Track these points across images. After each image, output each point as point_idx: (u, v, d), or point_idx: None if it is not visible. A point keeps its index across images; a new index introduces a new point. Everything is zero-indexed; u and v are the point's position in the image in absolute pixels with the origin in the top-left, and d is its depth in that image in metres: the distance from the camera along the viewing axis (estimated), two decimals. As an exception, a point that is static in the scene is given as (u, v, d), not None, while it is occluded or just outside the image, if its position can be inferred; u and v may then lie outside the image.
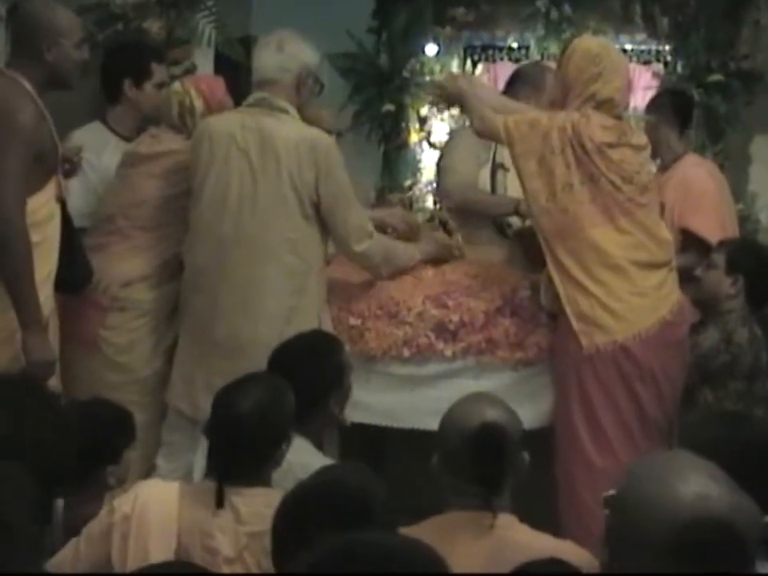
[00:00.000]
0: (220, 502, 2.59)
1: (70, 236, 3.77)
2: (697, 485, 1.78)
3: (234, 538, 2.57)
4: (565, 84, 3.93)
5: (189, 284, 3.90)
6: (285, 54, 3.85)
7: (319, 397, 3.19)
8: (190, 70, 4.69)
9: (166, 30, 4.77)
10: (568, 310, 3.81)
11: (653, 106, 4.81)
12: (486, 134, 4.03)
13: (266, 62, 3.87)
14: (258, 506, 2.58)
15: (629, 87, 4.04)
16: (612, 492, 1.87)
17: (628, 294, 3.82)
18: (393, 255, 4.01)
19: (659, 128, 4.63)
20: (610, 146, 3.83)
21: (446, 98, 4.19)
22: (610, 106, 3.87)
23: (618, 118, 3.91)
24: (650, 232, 3.89)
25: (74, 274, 3.80)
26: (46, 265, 3.61)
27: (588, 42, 4.04)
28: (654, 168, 4.36)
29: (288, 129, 3.80)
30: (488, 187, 4.50)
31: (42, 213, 3.61)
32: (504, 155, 4.33)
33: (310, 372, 3.15)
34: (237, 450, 2.65)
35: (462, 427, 2.51)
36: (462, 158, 4.53)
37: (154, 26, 4.74)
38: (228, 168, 3.79)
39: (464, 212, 4.51)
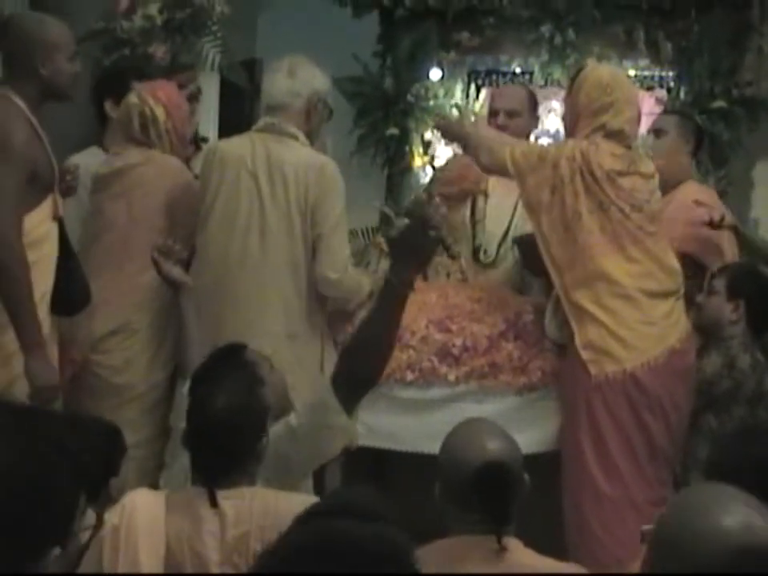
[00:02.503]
0: (213, 502, 2.55)
1: (68, 256, 3.70)
2: (740, 515, 1.80)
3: (222, 542, 2.55)
4: (574, 111, 3.91)
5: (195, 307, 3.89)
6: (296, 79, 3.84)
7: None
8: (195, 95, 4.70)
9: (170, 55, 4.79)
10: (576, 339, 3.79)
11: (681, 130, 4.61)
12: (495, 169, 3.99)
13: (277, 86, 3.86)
14: (244, 507, 2.56)
15: (639, 117, 3.98)
16: (650, 527, 1.88)
17: (638, 323, 3.79)
18: (361, 291, 3.90)
19: (681, 152, 4.55)
20: (620, 173, 3.80)
21: (448, 136, 4.21)
22: (621, 138, 3.84)
23: (628, 147, 3.88)
24: (659, 261, 3.86)
25: (71, 294, 3.72)
26: (40, 285, 3.55)
27: (599, 71, 3.98)
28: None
29: (296, 155, 3.80)
30: (467, 212, 4.50)
31: (38, 232, 3.56)
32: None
33: None
34: (217, 449, 2.60)
35: (462, 463, 2.49)
36: None
37: (159, 51, 4.76)
38: (237, 191, 3.79)
39: None
